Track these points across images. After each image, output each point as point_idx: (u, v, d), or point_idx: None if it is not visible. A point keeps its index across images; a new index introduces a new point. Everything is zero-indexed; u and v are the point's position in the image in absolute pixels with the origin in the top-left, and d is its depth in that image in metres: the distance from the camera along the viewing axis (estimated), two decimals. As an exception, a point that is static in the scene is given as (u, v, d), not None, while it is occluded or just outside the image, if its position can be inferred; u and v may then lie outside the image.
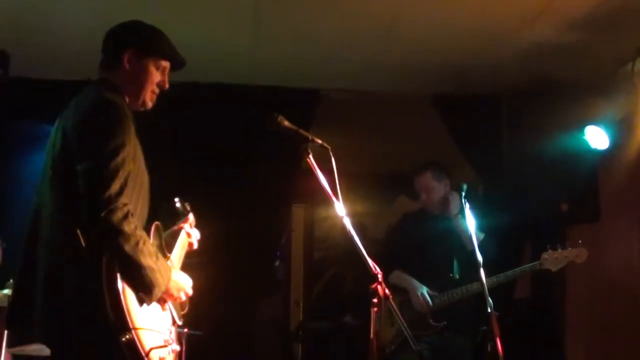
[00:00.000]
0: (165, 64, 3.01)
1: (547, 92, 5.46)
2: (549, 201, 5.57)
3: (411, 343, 3.06)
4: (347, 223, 2.90)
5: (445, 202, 4.80)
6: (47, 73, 5.40)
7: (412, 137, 6.21)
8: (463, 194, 3.96)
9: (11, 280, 3.92)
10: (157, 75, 2.98)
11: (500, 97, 5.90)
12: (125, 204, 2.56)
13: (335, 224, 6.54)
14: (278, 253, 6.95)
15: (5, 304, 3.86)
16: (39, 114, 5.46)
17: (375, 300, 2.81)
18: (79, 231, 2.58)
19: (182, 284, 2.87)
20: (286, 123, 3.05)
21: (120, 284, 2.54)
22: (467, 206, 3.92)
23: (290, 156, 5.09)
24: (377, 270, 2.85)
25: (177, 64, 3.07)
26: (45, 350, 3.82)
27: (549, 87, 5.44)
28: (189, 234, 3.37)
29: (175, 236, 3.30)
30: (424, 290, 4.64)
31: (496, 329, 3.56)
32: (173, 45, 3.05)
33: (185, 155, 5.46)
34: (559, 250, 4.38)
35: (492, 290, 3.76)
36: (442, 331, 4.59)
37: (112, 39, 2.99)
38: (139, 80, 2.94)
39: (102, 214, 2.51)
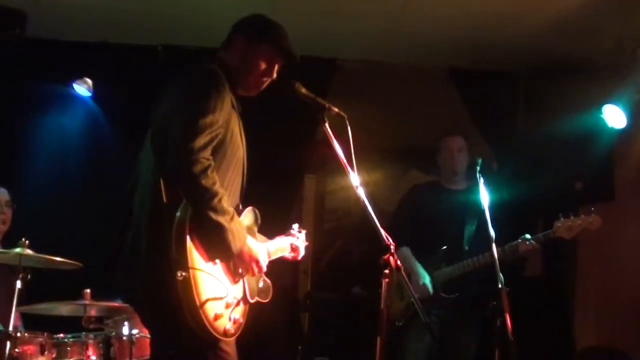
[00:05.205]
0: (276, 56, 3.06)
1: (564, 71, 5.41)
2: (564, 179, 5.53)
3: (421, 316, 3.05)
4: (361, 193, 2.89)
5: (461, 174, 4.80)
6: (63, 34, 5.39)
7: (427, 110, 6.16)
8: (478, 168, 3.94)
9: (23, 239, 3.93)
10: (264, 65, 3.04)
11: (518, 74, 5.84)
12: (207, 159, 2.63)
13: (346, 196, 6.52)
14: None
15: (17, 262, 3.87)
16: (54, 75, 5.47)
17: (386, 271, 2.80)
18: (162, 186, 2.68)
19: (256, 252, 2.83)
20: (303, 90, 3.05)
21: (187, 229, 2.60)
22: (481, 181, 3.89)
23: (303, 126, 5.06)
24: (390, 241, 2.83)
25: (288, 58, 3.11)
26: (56, 310, 3.85)
27: (567, 66, 5.39)
28: (296, 249, 3.33)
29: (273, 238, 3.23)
30: (427, 280, 4.58)
31: (506, 305, 3.56)
32: (287, 40, 3.10)
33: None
34: (572, 217, 4.33)
35: (502, 266, 3.74)
36: (454, 303, 4.57)
37: (234, 25, 3.13)
38: (247, 65, 3.03)
39: (183, 164, 2.59)
